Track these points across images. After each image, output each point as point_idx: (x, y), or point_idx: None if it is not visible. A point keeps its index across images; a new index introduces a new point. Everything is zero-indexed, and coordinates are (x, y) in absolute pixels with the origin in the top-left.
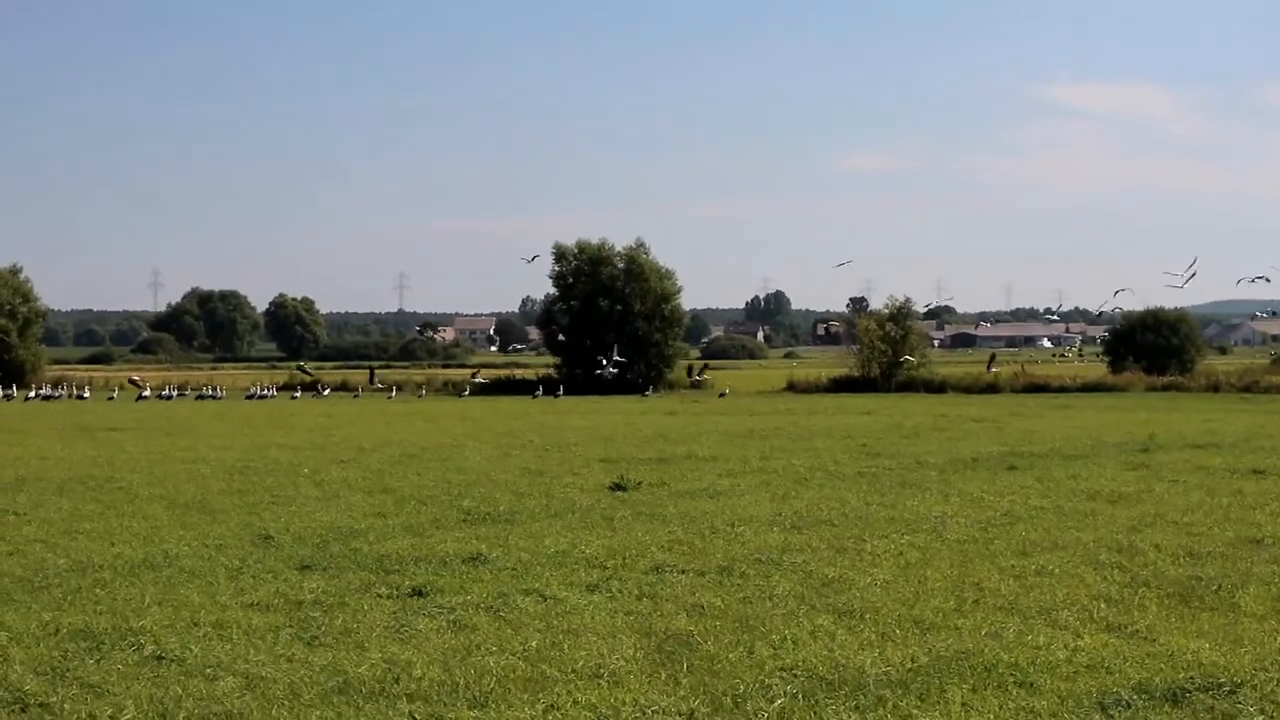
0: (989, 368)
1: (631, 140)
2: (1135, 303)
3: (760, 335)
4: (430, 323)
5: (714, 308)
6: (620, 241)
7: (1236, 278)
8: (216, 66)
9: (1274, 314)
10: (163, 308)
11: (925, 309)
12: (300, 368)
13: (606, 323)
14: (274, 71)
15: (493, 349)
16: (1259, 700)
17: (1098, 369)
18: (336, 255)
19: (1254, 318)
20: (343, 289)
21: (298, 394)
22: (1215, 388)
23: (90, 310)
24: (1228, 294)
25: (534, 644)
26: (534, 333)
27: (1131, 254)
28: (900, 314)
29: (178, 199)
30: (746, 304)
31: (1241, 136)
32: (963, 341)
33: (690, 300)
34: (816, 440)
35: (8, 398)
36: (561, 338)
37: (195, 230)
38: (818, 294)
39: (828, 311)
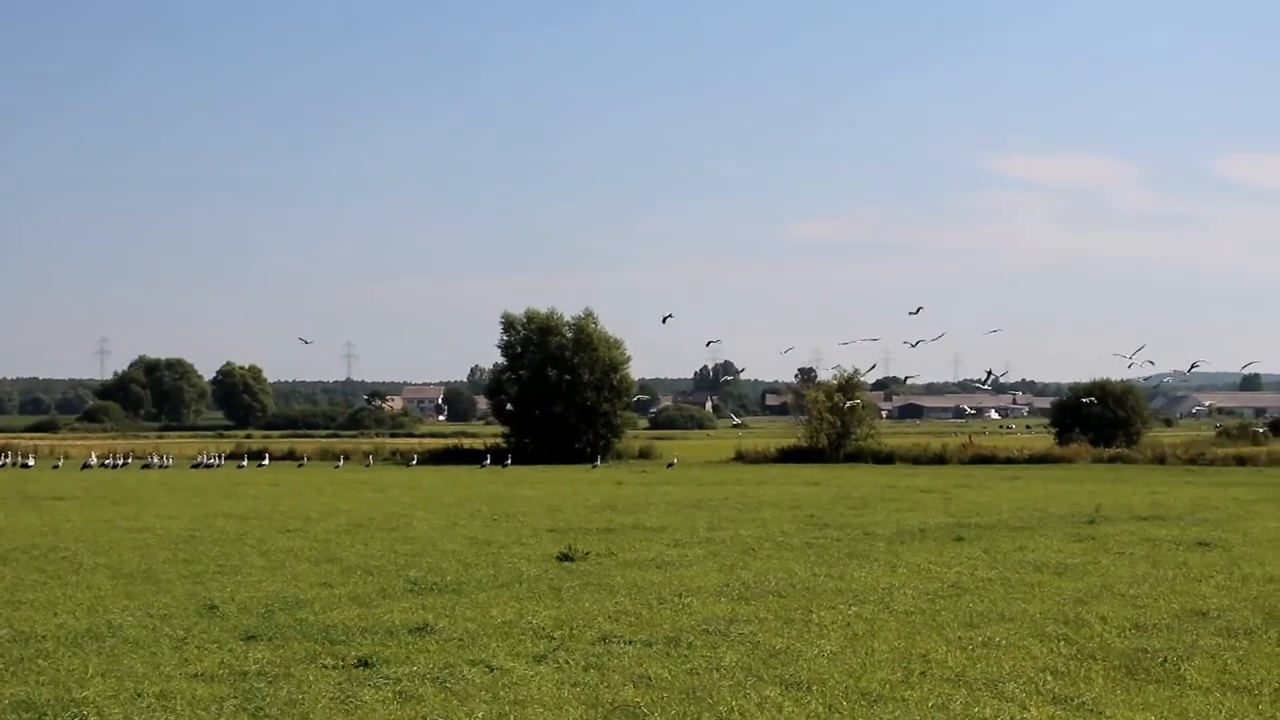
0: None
1: (582, 207)
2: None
3: (709, 405)
4: (378, 392)
5: (663, 377)
6: (569, 311)
7: (1177, 352)
8: (160, 129)
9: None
10: (109, 376)
11: (874, 380)
12: None
13: (555, 392)
14: (218, 134)
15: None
16: None
17: (1045, 440)
18: (284, 323)
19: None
20: (291, 358)
21: (244, 463)
22: (1161, 460)
23: (36, 378)
24: (1173, 366)
25: (480, 715)
26: (482, 402)
27: (1077, 325)
28: (848, 385)
29: (125, 265)
30: (695, 374)
31: (1189, 208)
32: (911, 412)
33: (639, 370)
34: (764, 510)
35: None
36: (510, 407)
37: (142, 298)
38: (767, 364)
39: (776, 382)
